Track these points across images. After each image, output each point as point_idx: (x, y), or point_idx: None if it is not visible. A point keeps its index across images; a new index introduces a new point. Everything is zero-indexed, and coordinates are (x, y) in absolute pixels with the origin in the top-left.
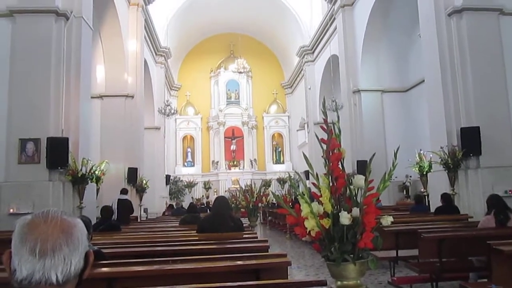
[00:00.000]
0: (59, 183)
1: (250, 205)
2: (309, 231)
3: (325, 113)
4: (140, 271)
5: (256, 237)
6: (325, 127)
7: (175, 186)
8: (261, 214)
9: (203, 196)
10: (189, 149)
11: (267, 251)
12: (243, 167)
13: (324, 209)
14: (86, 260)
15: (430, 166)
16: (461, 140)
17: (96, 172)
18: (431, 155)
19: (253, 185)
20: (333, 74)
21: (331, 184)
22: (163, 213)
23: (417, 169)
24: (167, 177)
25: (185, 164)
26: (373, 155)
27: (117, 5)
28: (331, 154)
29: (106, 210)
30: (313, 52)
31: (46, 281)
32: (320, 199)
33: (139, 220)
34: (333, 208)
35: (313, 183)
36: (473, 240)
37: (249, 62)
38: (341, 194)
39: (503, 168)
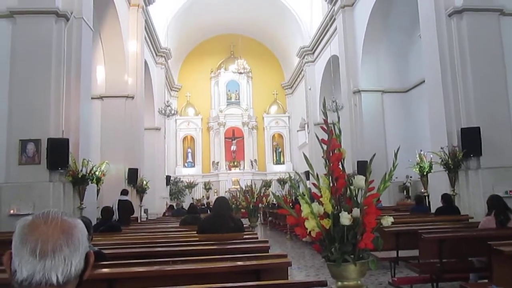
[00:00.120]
0: (60, 184)
1: (251, 206)
2: (310, 232)
3: (325, 114)
4: (140, 272)
5: (257, 238)
6: (326, 128)
7: (175, 187)
8: (261, 215)
9: (203, 196)
10: (189, 150)
11: (268, 252)
12: (244, 167)
13: (324, 209)
14: (86, 261)
15: (430, 167)
16: (462, 141)
17: (97, 173)
18: (431, 156)
19: (253, 186)
20: (333, 74)
21: (331, 184)
22: (164, 214)
23: (417, 169)
24: (168, 178)
25: (186, 164)
26: (374, 155)
27: (118, 6)
28: (331, 154)
29: (106, 211)
30: (313, 53)
31: (46, 282)
32: (321, 199)
33: (139, 220)
34: (333, 208)
35: (314, 184)
36: (474, 240)
37: (249, 62)
38: (341, 195)
39: (503, 169)
